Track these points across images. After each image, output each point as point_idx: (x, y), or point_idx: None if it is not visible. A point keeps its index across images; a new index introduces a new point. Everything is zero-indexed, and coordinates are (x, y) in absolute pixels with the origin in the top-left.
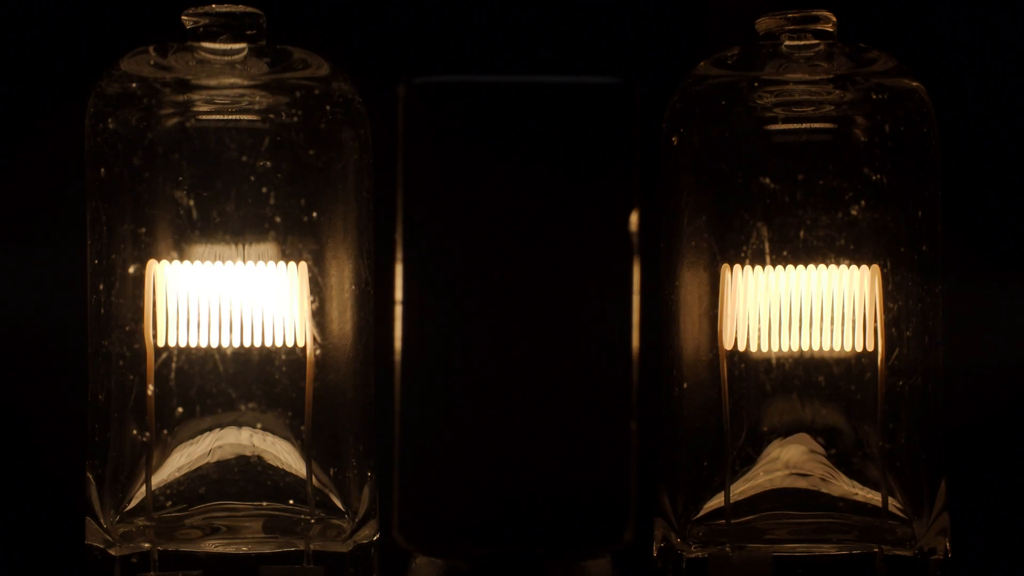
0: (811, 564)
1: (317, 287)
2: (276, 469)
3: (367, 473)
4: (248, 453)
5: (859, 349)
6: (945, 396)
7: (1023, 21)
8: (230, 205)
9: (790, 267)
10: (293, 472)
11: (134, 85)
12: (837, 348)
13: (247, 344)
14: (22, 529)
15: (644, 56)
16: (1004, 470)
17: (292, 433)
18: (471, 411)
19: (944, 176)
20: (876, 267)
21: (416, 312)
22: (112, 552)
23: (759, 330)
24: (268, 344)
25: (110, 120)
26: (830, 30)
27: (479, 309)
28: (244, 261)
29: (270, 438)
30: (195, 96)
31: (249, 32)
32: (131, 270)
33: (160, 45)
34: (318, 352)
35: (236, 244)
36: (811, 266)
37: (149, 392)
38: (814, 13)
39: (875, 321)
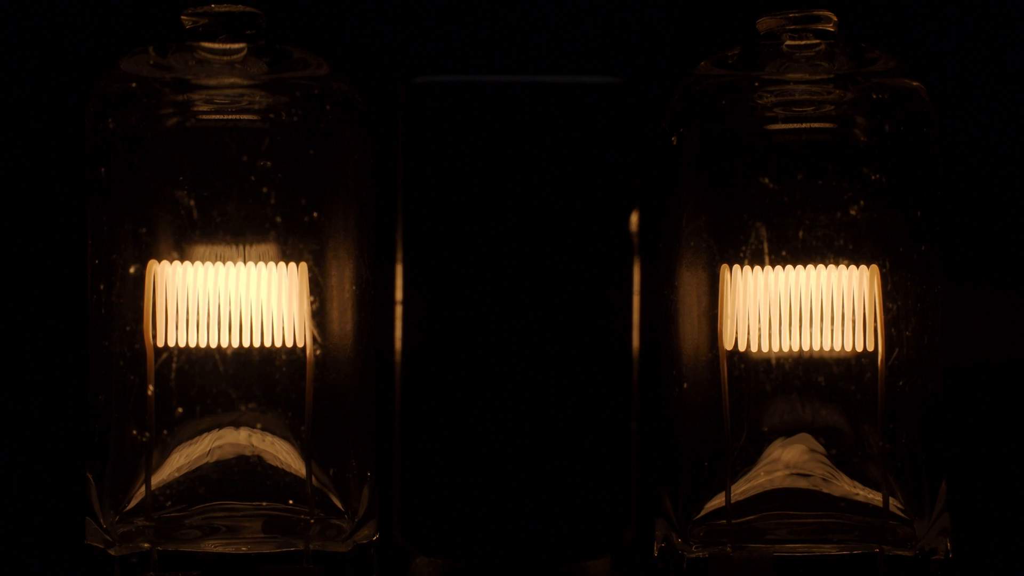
0: (812, 564)
1: (317, 287)
2: (276, 469)
3: (367, 473)
4: (248, 453)
5: (859, 349)
6: (945, 396)
7: (1023, 21)
8: (230, 205)
9: (789, 267)
10: (293, 472)
11: (134, 85)
12: (837, 348)
13: (247, 344)
14: (22, 529)
15: (644, 56)
16: (1004, 470)
17: (292, 433)
18: (471, 411)
19: (944, 176)
20: (876, 267)
21: (416, 312)
22: (112, 552)
23: (759, 330)
24: (268, 344)
25: (110, 120)
26: (831, 30)
27: (479, 309)
28: (244, 261)
29: (270, 438)
30: (195, 96)
31: (249, 32)
32: (131, 270)
33: (160, 45)
34: (318, 352)
35: (236, 244)
36: (810, 266)
37: (149, 392)
38: (815, 13)
39: (875, 321)
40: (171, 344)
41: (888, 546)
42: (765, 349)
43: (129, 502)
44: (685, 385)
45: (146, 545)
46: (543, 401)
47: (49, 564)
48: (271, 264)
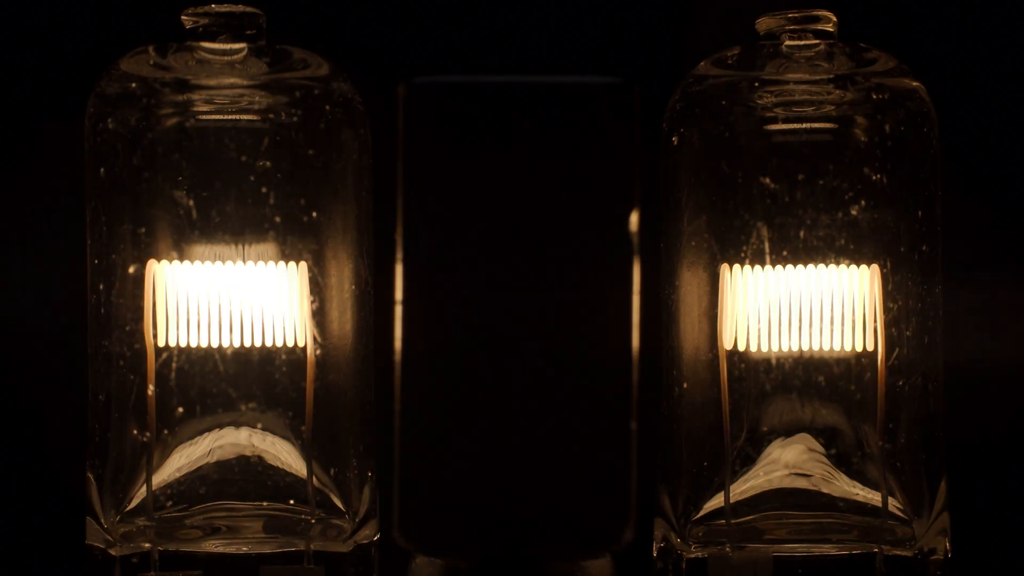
0: (811, 564)
1: (317, 287)
2: (276, 469)
3: (367, 473)
4: (248, 453)
5: (859, 349)
6: (945, 396)
7: (1023, 21)
8: (230, 205)
9: (790, 267)
10: (293, 472)
11: (134, 85)
12: (837, 348)
13: (247, 344)
14: (22, 529)
15: (644, 56)
16: (1004, 470)
17: (292, 433)
18: (471, 411)
19: (944, 176)
20: (876, 267)
21: (416, 312)
22: (112, 552)
23: (759, 330)
24: (268, 344)
25: (110, 120)
26: (830, 30)
27: (479, 309)
28: (244, 261)
29: (270, 438)
30: (195, 96)
31: (249, 32)
32: (131, 270)
33: (160, 45)
34: (318, 352)
35: (236, 244)
36: (811, 266)
37: (149, 392)
38: (814, 13)
39: (875, 321)
40: (171, 344)
41: (887, 546)
42: (765, 349)
43: (130, 502)
44: (685, 385)
45: (147, 545)
46: (543, 401)
47: (49, 564)
48: (271, 264)
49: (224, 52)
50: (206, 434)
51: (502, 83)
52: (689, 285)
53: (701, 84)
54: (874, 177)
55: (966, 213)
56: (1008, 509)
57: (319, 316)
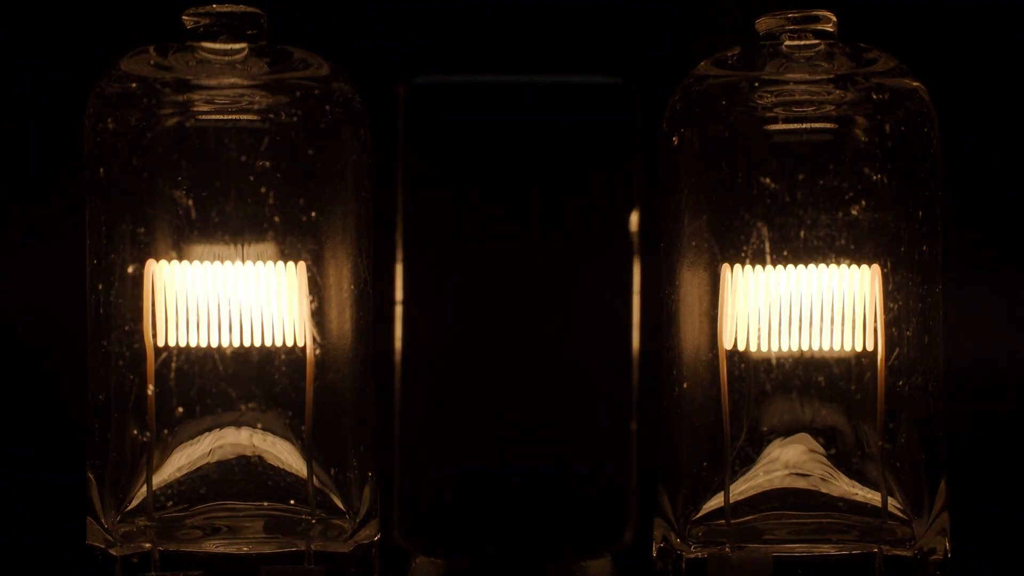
0: (811, 564)
1: (316, 287)
2: (277, 469)
3: (368, 473)
4: (248, 453)
5: (859, 349)
6: (945, 396)
7: (1023, 21)
8: (229, 205)
9: (790, 267)
10: (294, 472)
11: (134, 85)
12: (837, 348)
13: (247, 344)
14: (22, 529)
15: (644, 56)
16: (1004, 470)
17: (292, 433)
18: (471, 411)
19: (944, 176)
20: (876, 267)
21: (416, 312)
22: (113, 552)
23: (759, 330)
24: (268, 344)
25: (110, 120)
26: (831, 30)
27: (479, 309)
28: (243, 261)
29: (270, 438)
30: (195, 96)
31: (249, 32)
32: (130, 270)
33: (160, 45)
34: (318, 352)
35: (235, 244)
36: (811, 266)
37: (149, 392)
38: (815, 13)
39: (875, 321)
40: (171, 344)
41: (887, 546)
42: (765, 349)
43: (130, 502)
44: (685, 385)
45: (147, 545)
46: (543, 401)
47: (49, 564)
48: (270, 264)
49: (225, 52)
50: (206, 434)
51: (502, 83)
52: (689, 285)
53: (701, 84)
54: (874, 177)
55: (966, 213)
56: (1008, 509)
57: (318, 316)
